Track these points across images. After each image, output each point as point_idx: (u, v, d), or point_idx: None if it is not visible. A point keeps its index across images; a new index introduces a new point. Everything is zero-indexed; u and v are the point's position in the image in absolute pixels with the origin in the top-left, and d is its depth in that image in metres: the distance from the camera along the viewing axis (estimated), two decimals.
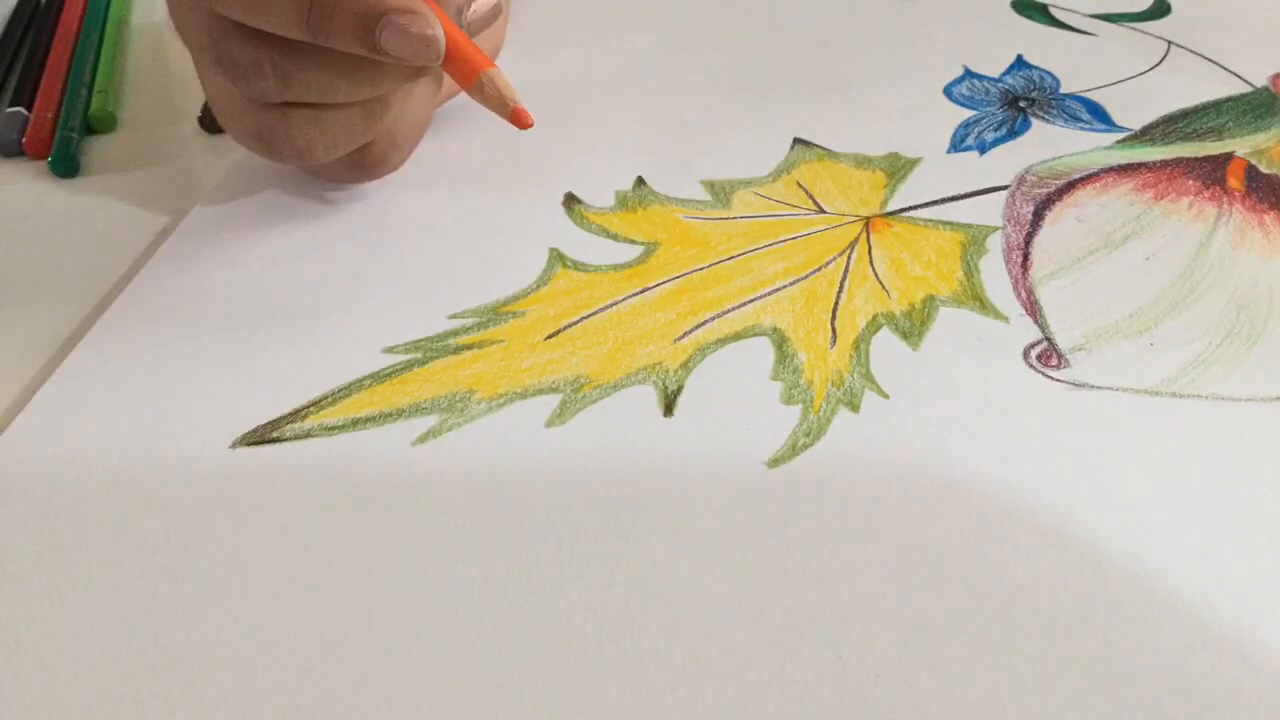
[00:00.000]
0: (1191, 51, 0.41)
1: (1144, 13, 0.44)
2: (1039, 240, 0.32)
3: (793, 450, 0.25)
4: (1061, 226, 0.32)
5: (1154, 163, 0.35)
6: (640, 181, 0.34)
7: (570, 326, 0.29)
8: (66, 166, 0.35)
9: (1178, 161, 0.35)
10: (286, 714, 0.20)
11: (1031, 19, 0.44)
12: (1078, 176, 0.34)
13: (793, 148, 0.36)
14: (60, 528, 0.24)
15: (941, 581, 0.22)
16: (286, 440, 0.26)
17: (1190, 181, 0.34)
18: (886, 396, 0.27)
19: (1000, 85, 0.39)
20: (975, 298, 0.30)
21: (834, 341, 0.28)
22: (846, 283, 0.30)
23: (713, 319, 0.29)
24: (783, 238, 0.32)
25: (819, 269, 0.31)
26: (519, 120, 0.27)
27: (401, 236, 0.32)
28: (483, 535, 0.23)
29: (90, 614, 0.22)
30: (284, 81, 0.28)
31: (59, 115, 0.37)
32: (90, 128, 0.38)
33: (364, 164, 0.32)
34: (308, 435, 0.26)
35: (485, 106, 0.28)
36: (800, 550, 0.23)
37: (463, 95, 0.33)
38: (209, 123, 0.38)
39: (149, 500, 0.24)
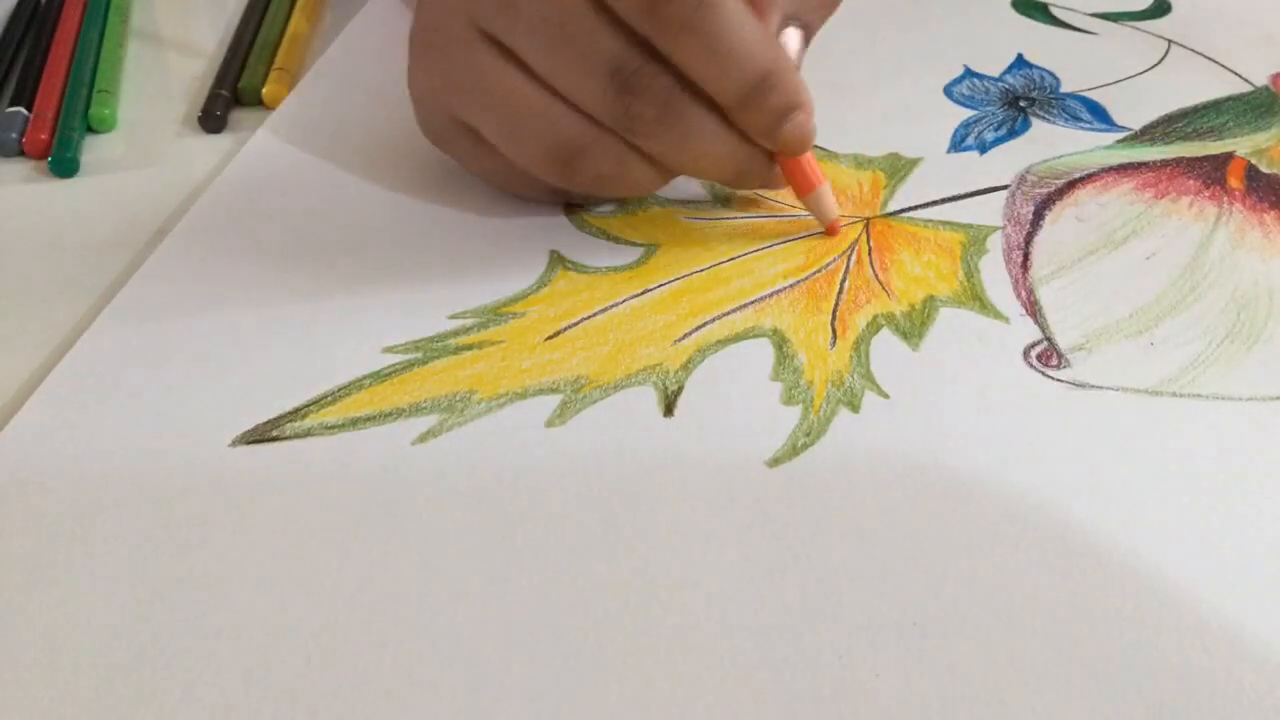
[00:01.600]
0: (1192, 51, 0.41)
1: (1144, 11, 0.44)
2: (1039, 240, 0.32)
3: (793, 450, 0.25)
4: (1062, 226, 0.32)
5: (1154, 162, 0.35)
6: None
7: (570, 327, 0.29)
8: (66, 166, 0.35)
9: (1178, 161, 0.35)
10: (286, 714, 0.20)
11: (1032, 18, 0.44)
12: (1078, 176, 0.34)
13: None
14: (60, 527, 0.24)
15: (941, 581, 0.22)
16: (287, 439, 0.26)
17: (1190, 181, 0.34)
18: (887, 397, 0.27)
19: (1000, 85, 0.39)
20: (975, 298, 0.30)
21: (834, 342, 0.28)
22: (846, 283, 0.30)
23: (713, 320, 0.29)
24: (783, 238, 0.32)
25: (819, 270, 0.31)
26: (832, 231, 0.32)
27: (402, 236, 0.32)
28: (483, 535, 0.23)
29: (90, 613, 0.22)
30: (666, 117, 0.28)
31: (59, 115, 0.37)
32: (90, 128, 0.38)
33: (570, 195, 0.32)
34: (308, 434, 0.26)
35: (809, 211, 0.32)
36: (800, 550, 0.23)
37: None
38: (209, 123, 0.38)
39: (149, 499, 0.24)
